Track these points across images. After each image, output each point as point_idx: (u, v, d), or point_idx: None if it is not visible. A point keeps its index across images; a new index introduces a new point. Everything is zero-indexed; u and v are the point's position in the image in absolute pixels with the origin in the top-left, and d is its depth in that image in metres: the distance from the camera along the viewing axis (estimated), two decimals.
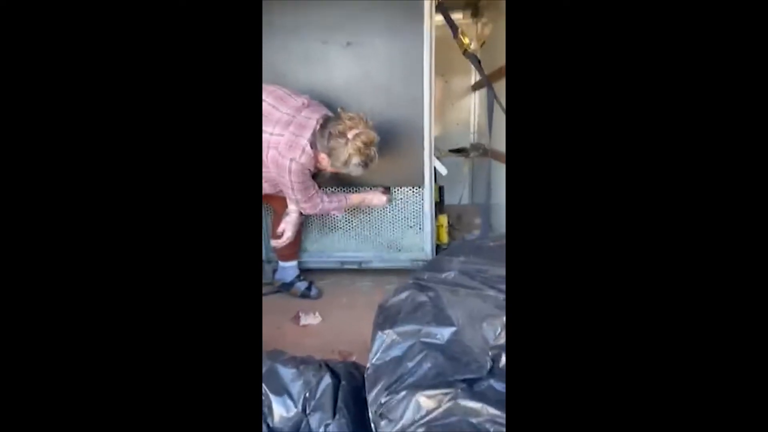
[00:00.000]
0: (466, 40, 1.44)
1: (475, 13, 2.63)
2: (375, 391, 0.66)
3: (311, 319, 1.41)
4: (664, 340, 0.44)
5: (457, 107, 2.87)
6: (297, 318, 1.42)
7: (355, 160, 1.25)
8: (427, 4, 1.42)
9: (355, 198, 1.53)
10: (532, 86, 0.48)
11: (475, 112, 2.85)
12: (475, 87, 2.76)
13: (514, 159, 0.50)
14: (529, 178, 0.48)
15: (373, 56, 1.48)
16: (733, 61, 0.43)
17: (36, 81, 0.46)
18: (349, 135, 1.22)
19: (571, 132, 0.47)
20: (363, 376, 0.73)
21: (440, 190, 1.87)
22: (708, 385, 0.43)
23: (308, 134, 1.26)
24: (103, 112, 0.48)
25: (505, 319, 0.66)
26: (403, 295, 0.79)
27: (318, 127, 1.27)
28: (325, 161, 1.31)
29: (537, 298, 0.47)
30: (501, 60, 1.73)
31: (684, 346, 0.43)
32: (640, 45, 0.45)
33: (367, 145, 1.23)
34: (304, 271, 1.67)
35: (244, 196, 0.52)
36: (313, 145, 1.27)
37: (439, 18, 1.50)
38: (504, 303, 0.68)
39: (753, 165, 0.43)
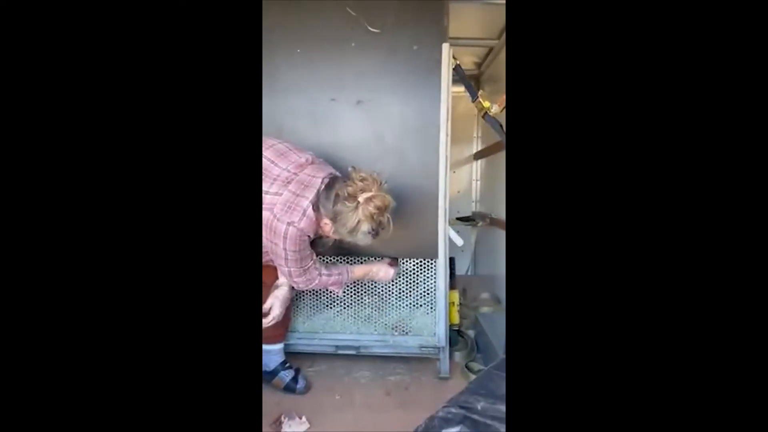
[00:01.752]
0: (486, 104, 1.34)
1: (477, 86, 2.67)
2: None
3: (296, 427, 1.11)
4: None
5: (459, 175, 2.80)
6: (278, 424, 1.11)
7: (365, 227, 1.05)
8: (444, 67, 1.34)
9: (358, 271, 1.31)
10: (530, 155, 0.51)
11: (478, 181, 2.78)
12: (477, 156, 2.71)
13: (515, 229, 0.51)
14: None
15: (385, 116, 1.37)
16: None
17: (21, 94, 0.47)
18: (360, 198, 1.04)
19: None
20: None
21: (451, 262, 1.66)
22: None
23: (311, 195, 1.08)
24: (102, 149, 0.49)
25: None
26: None
27: (323, 187, 1.09)
28: (327, 227, 1.11)
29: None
30: None
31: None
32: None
33: (381, 210, 1.05)
34: (291, 355, 1.39)
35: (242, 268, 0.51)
36: (315, 207, 1.08)
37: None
38: None
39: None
